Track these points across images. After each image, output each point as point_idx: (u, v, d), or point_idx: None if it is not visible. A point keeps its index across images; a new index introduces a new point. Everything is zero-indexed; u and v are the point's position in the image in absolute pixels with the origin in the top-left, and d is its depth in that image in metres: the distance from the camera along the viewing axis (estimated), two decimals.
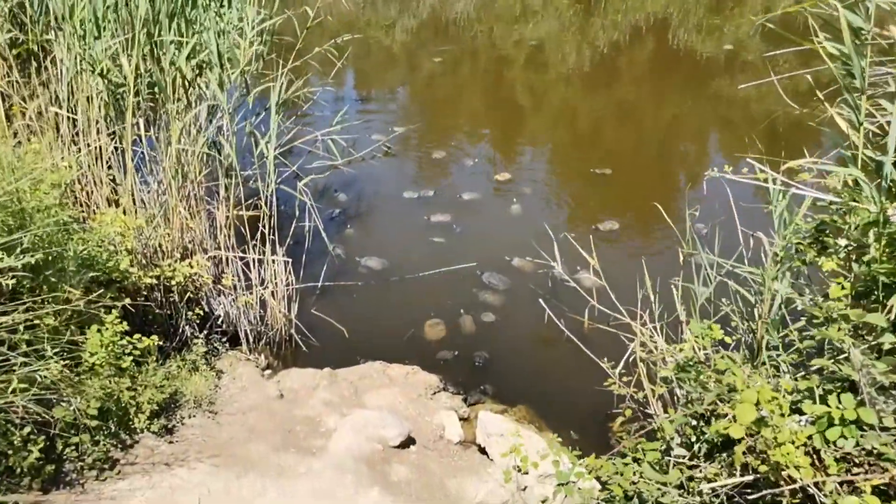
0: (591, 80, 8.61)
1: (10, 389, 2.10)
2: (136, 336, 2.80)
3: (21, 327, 2.25)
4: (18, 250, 2.02)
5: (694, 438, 2.07)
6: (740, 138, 6.82)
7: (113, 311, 2.73)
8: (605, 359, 3.45)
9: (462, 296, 4.36)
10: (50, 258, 2.56)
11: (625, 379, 3.06)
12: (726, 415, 1.84)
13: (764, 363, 2.10)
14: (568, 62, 9.14)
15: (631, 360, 3.14)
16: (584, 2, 11.92)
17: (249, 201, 4.19)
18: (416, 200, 5.45)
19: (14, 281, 2.07)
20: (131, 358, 2.75)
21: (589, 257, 3.62)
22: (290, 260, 3.76)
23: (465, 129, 7.00)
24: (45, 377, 2.26)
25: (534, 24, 11.00)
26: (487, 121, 7.25)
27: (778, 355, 2.14)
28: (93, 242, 2.78)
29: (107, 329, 2.68)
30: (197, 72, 3.91)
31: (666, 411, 2.99)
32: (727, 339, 2.27)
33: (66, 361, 2.44)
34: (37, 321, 2.35)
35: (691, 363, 2.15)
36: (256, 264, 3.73)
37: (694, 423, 2.10)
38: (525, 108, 7.79)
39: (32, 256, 2.05)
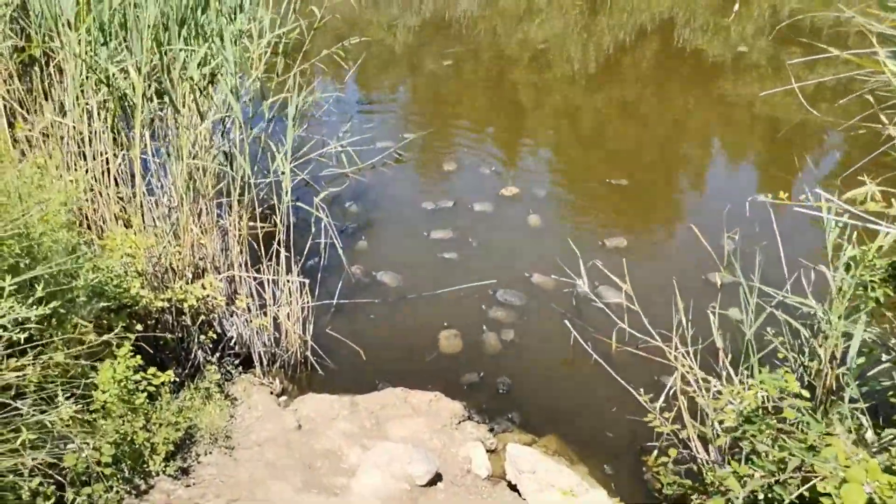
0: (602, 83, 8.45)
1: (18, 441, 1.92)
2: (151, 371, 2.62)
3: (29, 369, 2.07)
4: (31, 300, 1.83)
5: (761, 496, 1.91)
6: (764, 147, 6.70)
7: (126, 342, 2.55)
8: (642, 391, 3.31)
9: (481, 314, 4.20)
10: (58, 285, 2.38)
11: (665, 415, 2.91)
12: (808, 479, 1.68)
13: (844, 418, 1.94)
14: (577, 64, 8.98)
15: (671, 393, 2.99)
16: (589, 1, 11.75)
17: (261, 213, 4.02)
18: (430, 212, 5.28)
19: (27, 335, 1.89)
20: (145, 395, 2.57)
21: (620, 281, 3.48)
22: (307, 281, 3.58)
23: (477, 135, 6.83)
24: (56, 423, 2.08)
25: (540, 22, 10.82)
26: (499, 126, 7.08)
27: (858, 409, 1.98)
28: (104, 269, 2.59)
29: (119, 363, 2.50)
30: (208, 79, 3.72)
31: (706, 448, 2.85)
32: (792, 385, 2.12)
33: (78, 403, 2.26)
34: (46, 360, 2.16)
35: (758, 414, 1.99)
36: (271, 283, 3.55)
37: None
38: (538, 114, 7.61)
39: (46, 305, 1.86)
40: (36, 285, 1.99)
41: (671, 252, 4.89)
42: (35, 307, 1.80)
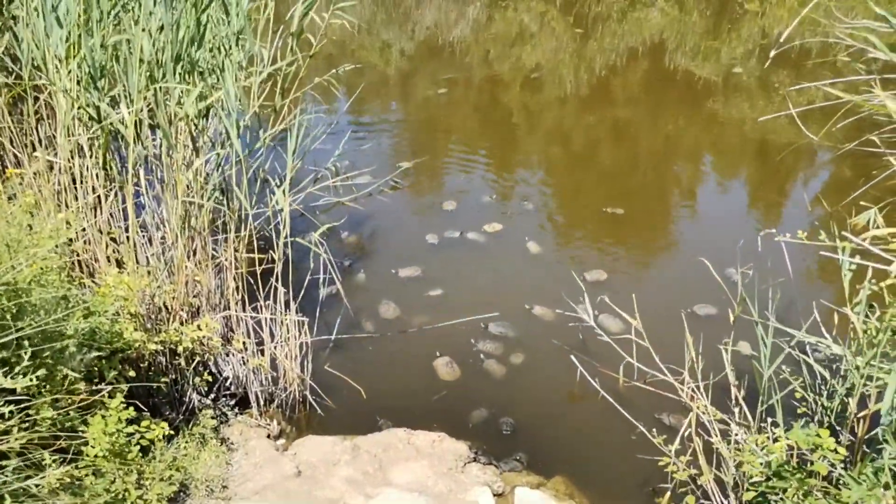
0: (594, 107, 8.45)
1: None
2: (145, 424, 2.50)
3: (14, 430, 1.95)
4: (17, 369, 1.72)
5: None
6: (760, 171, 6.68)
7: (118, 394, 2.43)
8: (655, 431, 3.21)
9: (483, 346, 4.10)
10: (48, 339, 2.26)
11: (681, 458, 2.81)
12: None
13: (879, 473, 1.85)
14: (570, 87, 8.99)
15: (687, 434, 2.89)
16: (581, 26, 11.81)
17: (258, 248, 3.92)
18: (428, 242, 5.18)
19: (10, 409, 1.76)
20: (138, 448, 2.44)
21: (630, 318, 3.39)
22: (306, 319, 3.47)
23: (472, 161, 6.77)
24: (43, 487, 1.95)
25: (532, 47, 10.86)
26: (495, 153, 7.03)
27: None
28: (96, 316, 2.47)
29: (111, 416, 2.38)
30: (204, 114, 3.63)
31: (725, 495, 2.75)
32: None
33: (66, 462, 2.13)
34: (31, 425, 2.04)
35: (787, 469, 1.89)
36: (268, 321, 3.44)
37: None
38: (532, 139, 7.57)
39: (34, 375, 1.75)
40: (23, 342, 1.88)
41: (665, 283, 4.81)
42: (21, 375, 1.68)
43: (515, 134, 7.56)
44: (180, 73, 3.23)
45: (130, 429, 2.46)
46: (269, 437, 3.37)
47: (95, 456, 2.33)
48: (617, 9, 12.50)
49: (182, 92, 3.20)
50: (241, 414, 3.49)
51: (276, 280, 3.40)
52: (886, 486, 1.81)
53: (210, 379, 3.31)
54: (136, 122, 3.10)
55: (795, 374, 2.78)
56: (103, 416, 2.37)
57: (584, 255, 5.12)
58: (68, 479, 2.12)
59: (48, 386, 2.24)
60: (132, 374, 2.75)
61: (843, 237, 2.29)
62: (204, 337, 3.17)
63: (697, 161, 7.00)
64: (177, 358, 3.20)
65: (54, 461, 2.01)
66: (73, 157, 3.29)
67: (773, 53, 3.72)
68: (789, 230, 2.81)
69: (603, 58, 10.31)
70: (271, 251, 3.47)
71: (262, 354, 3.43)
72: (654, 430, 3.24)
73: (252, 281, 3.52)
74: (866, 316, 2.33)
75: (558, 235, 5.46)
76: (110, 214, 3.44)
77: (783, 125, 7.16)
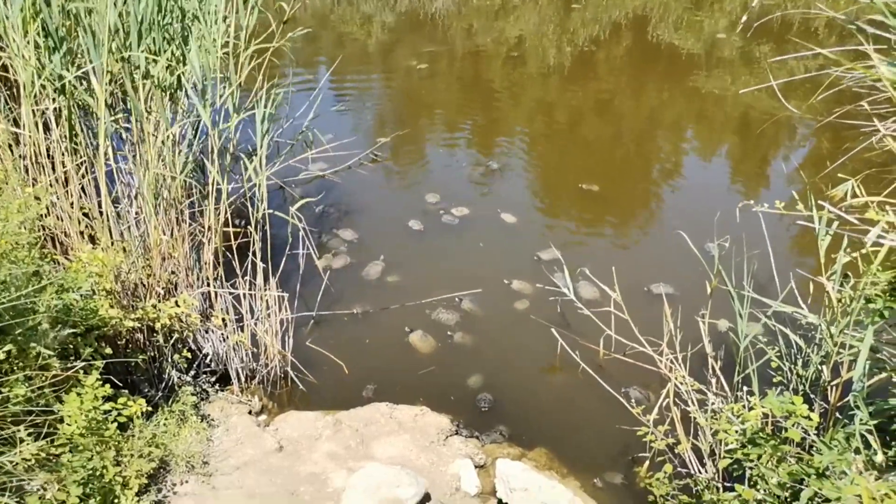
0: (576, 80, 8.38)
1: None
2: (122, 401, 2.47)
3: None
4: None
5: None
6: (740, 143, 6.69)
7: (93, 370, 2.40)
8: (633, 402, 3.26)
9: (464, 320, 4.10)
10: (19, 315, 2.22)
11: (659, 428, 2.85)
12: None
13: (851, 437, 1.87)
14: (552, 60, 8.91)
15: (664, 404, 2.93)
16: None
17: (235, 222, 3.86)
18: (408, 216, 5.14)
19: None
20: (115, 425, 2.42)
21: (610, 290, 3.41)
22: (286, 294, 3.44)
23: (452, 136, 6.72)
24: (18, 464, 1.92)
25: (514, 19, 10.73)
26: (475, 126, 6.98)
27: (866, 428, 1.91)
28: (69, 293, 2.43)
29: (87, 393, 2.35)
30: (175, 86, 3.55)
31: (701, 462, 2.79)
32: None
33: (41, 439, 2.10)
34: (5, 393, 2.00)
35: (762, 437, 1.92)
36: (248, 297, 3.41)
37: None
38: (513, 112, 7.51)
39: (3, 350, 1.71)
40: None
41: (642, 257, 4.81)
42: None
43: (497, 108, 7.49)
44: (147, 44, 3.14)
45: (107, 406, 2.43)
46: (250, 413, 3.36)
47: (72, 433, 2.31)
48: None
49: (148, 62, 3.12)
50: (222, 391, 3.47)
51: (255, 255, 3.36)
52: (857, 451, 1.84)
53: (189, 356, 3.28)
54: (105, 92, 3.01)
55: (772, 344, 2.82)
56: (79, 394, 2.34)
57: (560, 231, 5.11)
58: (44, 456, 2.09)
59: (20, 363, 2.20)
60: (109, 351, 2.71)
61: (820, 206, 2.30)
62: (182, 313, 3.13)
63: (678, 135, 6.99)
64: (155, 335, 3.16)
65: (29, 436, 1.99)
66: (37, 130, 3.20)
67: (745, 23, 3.69)
68: (768, 202, 2.82)
69: (586, 31, 10.22)
70: (248, 226, 3.42)
71: (242, 331, 3.41)
72: (633, 401, 3.30)
73: (230, 256, 3.48)
74: (841, 285, 2.36)
75: (536, 211, 5.43)
76: (81, 189, 3.36)
77: (765, 98, 7.17)
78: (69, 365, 2.32)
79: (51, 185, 3.21)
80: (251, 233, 3.35)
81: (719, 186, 5.86)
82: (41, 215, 3.01)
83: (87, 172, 3.29)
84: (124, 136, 3.60)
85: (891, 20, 2.66)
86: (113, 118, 3.38)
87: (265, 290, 3.39)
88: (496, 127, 7.00)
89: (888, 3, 2.81)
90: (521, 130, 6.96)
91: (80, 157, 3.30)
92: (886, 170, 5.27)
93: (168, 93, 3.39)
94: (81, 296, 2.57)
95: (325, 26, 10.55)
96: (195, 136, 3.68)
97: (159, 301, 3.16)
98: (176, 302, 3.12)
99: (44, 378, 2.23)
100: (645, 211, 5.44)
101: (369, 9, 11.37)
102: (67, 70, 3.12)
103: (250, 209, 3.42)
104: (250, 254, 3.39)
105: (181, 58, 3.29)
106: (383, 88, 8.19)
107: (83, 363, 2.36)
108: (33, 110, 3.15)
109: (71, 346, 2.58)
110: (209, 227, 3.39)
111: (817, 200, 2.56)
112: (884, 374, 2.29)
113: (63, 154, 3.25)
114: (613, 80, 8.46)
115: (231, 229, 3.52)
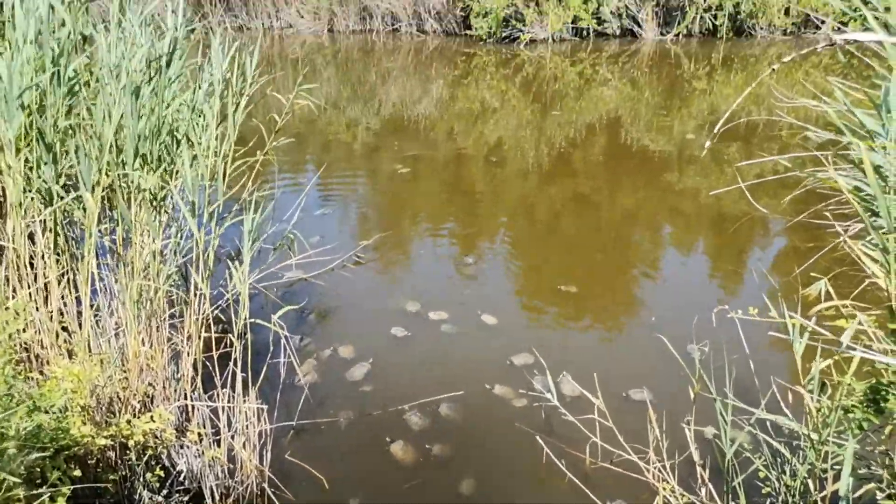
0: (554, 180, 8.68)
1: None
2: None
3: None
4: None
5: None
6: (720, 248, 6.88)
7: (59, 497, 2.30)
8: None
9: (448, 428, 4.02)
10: None
11: None
12: None
13: None
14: (531, 161, 9.25)
15: None
16: (540, 102, 12.29)
17: (216, 329, 3.84)
18: (390, 319, 5.15)
19: None
20: None
21: (593, 397, 3.39)
22: (265, 406, 3.38)
23: (434, 237, 6.86)
24: None
25: (494, 122, 11.22)
26: (456, 227, 7.14)
27: None
28: (41, 413, 2.37)
29: None
30: (162, 196, 3.63)
31: None
32: None
33: None
34: None
35: None
36: (226, 410, 3.34)
37: None
38: (496, 217, 7.71)
39: None
40: None
41: (622, 360, 4.83)
42: None
43: (477, 209, 7.70)
44: (140, 159, 3.25)
45: None
46: None
47: None
48: (573, 87, 13.09)
49: (141, 176, 3.21)
50: None
51: (235, 364, 3.33)
52: None
53: (162, 474, 3.16)
54: (97, 207, 3.08)
55: (758, 452, 2.79)
56: None
57: (540, 333, 5.11)
58: None
59: None
60: (78, 473, 2.61)
61: (792, 314, 2.36)
62: (157, 429, 3.05)
63: (654, 233, 7.19)
64: (127, 452, 3.06)
65: None
66: (23, 242, 3.23)
67: (717, 129, 3.89)
68: (744, 302, 2.89)
69: (562, 132, 10.70)
70: (229, 334, 3.41)
71: (219, 445, 3.31)
72: None
73: (209, 365, 3.44)
74: (819, 394, 2.37)
75: (516, 313, 5.45)
76: (62, 300, 3.35)
77: (736, 197, 7.45)
78: (34, 493, 2.22)
79: (31, 297, 3.20)
80: (232, 341, 3.33)
81: (696, 286, 5.97)
82: (20, 330, 2.98)
83: (69, 283, 3.30)
84: (108, 245, 3.64)
85: (847, 135, 2.83)
86: (99, 227, 3.43)
87: (244, 401, 3.33)
88: (477, 227, 7.16)
89: (841, 112, 3.02)
90: (501, 230, 7.12)
91: (63, 268, 3.32)
92: (856, 268, 5.44)
93: (157, 203, 3.46)
94: (54, 415, 2.51)
95: (313, 130, 10.96)
96: (178, 245, 3.73)
97: (134, 416, 3.09)
98: (151, 417, 3.05)
99: None
100: (623, 313, 5.49)
101: (355, 113, 11.88)
102: (57, 183, 3.19)
103: (232, 317, 3.41)
104: (230, 363, 3.35)
105: (174, 172, 3.39)
106: (367, 191, 8.42)
107: (50, 490, 2.27)
108: (20, 223, 3.20)
109: (37, 470, 2.48)
110: (189, 337, 3.37)
111: (792, 300, 2.62)
112: (871, 485, 2.27)
113: (45, 265, 3.27)
114: (590, 179, 8.77)
115: (212, 334, 3.50)
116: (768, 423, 2.81)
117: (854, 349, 2.00)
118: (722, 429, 2.68)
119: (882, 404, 1.99)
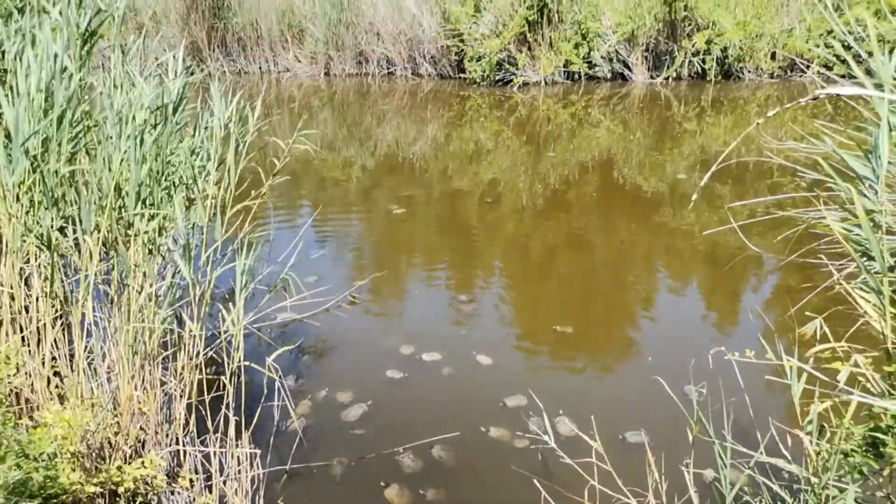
0: (548, 219, 8.75)
1: None
2: None
3: None
4: None
5: None
6: (715, 287, 6.91)
7: None
8: None
9: (442, 472, 3.95)
10: None
11: None
12: None
13: None
14: (525, 200, 9.33)
15: None
16: (534, 143, 12.46)
17: (209, 372, 3.80)
18: (385, 361, 5.12)
19: None
20: None
21: (590, 440, 3.36)
22: (258, 451, 3.33)
23: (429, 277, 6.87)
24: None
25: (488, 163, 11.35)
26: (451, 268, 7.16)
27: None
28: (30, 461, 2.33)
29: None
30: (160, 236, 3.64)
31: None
32: None
33: None
34: None
35: None
36: (218, 454, 3.28)
37: None
38: (490, 257, 7.74)
39: None
40: None
41: (619, 402, 4.80)
42: None
43: (472, 248, 7.73)
44: (140, 203, 3.27)
45: None
46: None
47: None
48: (566, 128, 13.30)
49: (141, 220, 3.23)
50: None
51: (227, 408, 3.29)
52: None
53: None
54: (97, 253, 3.08)
55: (758, 495, 2.76)
56: None
57: (535, 374, 5.08)
58: None
59: None
60: None
61: (788, 359, 2.36)
62: (148, 475, 3.00)
63: (649, 272, 7.22)
64: (117, 499, 3.00)
65: None
66: (19, 287, 3.22)
67: (707, 175, 3.95)
68: (740, 341, 2.89)
69: (556, 172, 10.83)
70: (222, 376, 3.38)
71: (210, 491, 3.25)
72: None
73: (201, 409, 3.40)
74: (818, 437, 2.36)
75: (511, 353, 5.42)
76: (55, 344, 3.33)
77: (730, 234, 7.52)
78: None
79: (23, 340, 3.18)
80: (225, 384, 3.30)
81: (692, 325, 5.97)
82: (10, 375, 2.95)
83: (63, 328, 3.28)
84: (102, 287, 3.63)
85: (839, 183, 2.88)
86: (95, 274, 3.43)
87: (237, 445, 3.28)
88: (472, 267, 7.18)
89: (828, 154, 3.08)
90: (496, 270, 7.14)
91: (57, 312, 3.30)
92: (850, 307, 5.47)
93: (154, 247, 3.47)
94: (43, 463, 2.47)
95: (308, 170, 11.05)
96: (173, 286, 3.72)
97: (125, 461, 3.04)
98: (142, 462, 3.00)
99: None
100: (619, 353, 5.48)
101: (350, 153, 12.00)
102: (56, 227, 3.20)
103: (225, 359, 3.39)
104: (223, 406, 3.31)
105: (172, 217, 3.41)
106: (362, 230, 8.45)
107: None
108: (15, 267, 3.20)
109: None
110: (182, 380, 3.34)
111: (787, 339, 2.63)
112: None
113: (39, 309, 3.25)
114: (584, 218, 8.84)
115: (204, 376, 3.47)
116: (768, 467, 2.78)
117: (851, 392, 2.00)
118: (721, 472, 2.66)
119: (881, 448, 1.98)
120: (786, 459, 2.57)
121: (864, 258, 2.43)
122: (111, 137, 3.10)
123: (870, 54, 2.66)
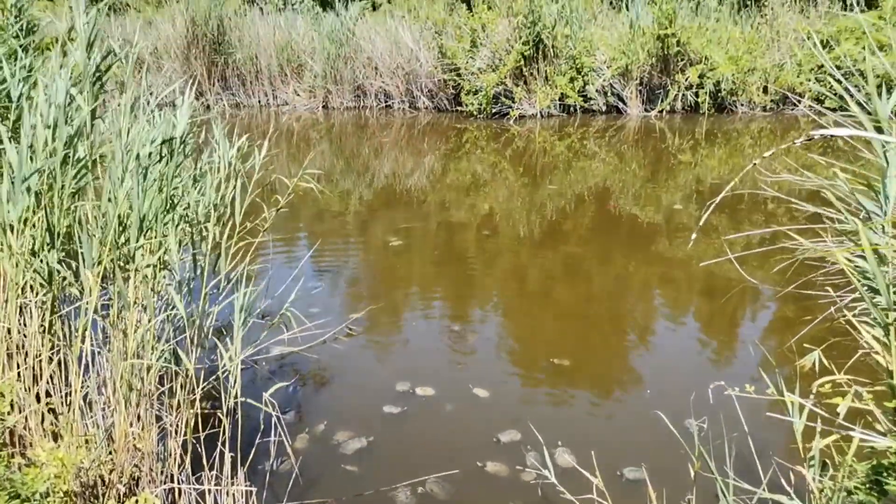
0: (545, 250, 8.78)
1: None
2: None
3: None
4: None
5: None
6: (712, 319, 6.92)
7: None
8: None
9: None
10: None
11: None
12: None
13: None
14: (522, 231, 9.37)
15: None
16: (530, 175, 12.56)
17: (204, 407, 3.77)
18: (382, 395, 5.08)
19: None
20: None
21: (591, 476, 3.32)
22: (254, 489, 3.28)
23: (426, 308, 6.86)
24: None
25: (485, 194, 11.43)
26: (448, 300, 7.15)
27: None
28: (23, 500, 2.29)
29: None
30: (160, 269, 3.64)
31: None
32: None
33: None
34: None
35: None
36: (213, 493, 3.23)
37: None
38: (487, 289, 7.75)
39: None
40: None
41: (619, 436, 4.76)
42: None
43: (469, 279, 7.74)
44: (142, 236, 3.28)
45: None
46: None
47: None
48: (562, 160, 13.43)
49: (142, 255, 3.24)
50: None
51: (224, 445, 3.25)
52: None
53: None
54: (98, 288, 3.08)
55: None
56: None
57: (532, 407, 5.05)
58: None
59: None
60: None
61: (789, 395, 2.36)
62: None
63: (646, 304, 7.22)
64: None
65: None
66: (19, 323, 3.21)
67: (706, 214, 3.98)
68: (739, 373, 2.89)
69: (552, 203, 10.90)
70: (219, 412, 3.34)
71: None
72: None
73: (198, 447, 3.36)
74: (821, 474, 2.34)
75: (508, 386, 5.39)
76: (50, 379, 3.30)
77: (727, 265, 7.55)
78: None
79: (18, 377, 3.16)
80: (221, 420, 3.27)
81: (690, 358, 5.96)
82: (5, 413, 2.92)
83: (59, 364, 3.26)
84: (100, 322, 3.62)
85: (847, 217, 2.91)
86: (96, 311, 3.42)
87: (232, 483, 3.24)
88: (469, 299, 7.17)
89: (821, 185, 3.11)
90: (493, 302, 7.14)
91: (55, 348, 3.29)
92: (849, 338, 5.47)
93: (154, 283, 3.47)
94: (35, 501, 2.43)
95: (306, 201, 11.11)
96: (171, 322, 3.71)
97: (119, 500, 2.99)
98: (136, 501, 2.95)
99: None
100: (617, 386, 5.45)
101: (348, 185, 12.08)
102: (57, 262, 3.21)
103: (222, 394, 3.36)
104: (219, 443, 3.28)
105: (171, 250, 3.42)
106: (359, 262, 8.46)
107: None
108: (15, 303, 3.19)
109: None
110: (178, 416, 3.31)
111: (787, 371, 2.63)
112: None
113: (35, 346, 3.24)
114: (581, 250, 8.87)
115: (200, 411, 3.43)
116: (770, 503, 2.75)
117: (853, 429, 1.99)
118: None
119: (885, 486, 1.96)
120: (788, 496, 2.55)
121: (868, 290, 2.44)
122: (117, 173, 3.13)
123: (858, 88, 2.72)
